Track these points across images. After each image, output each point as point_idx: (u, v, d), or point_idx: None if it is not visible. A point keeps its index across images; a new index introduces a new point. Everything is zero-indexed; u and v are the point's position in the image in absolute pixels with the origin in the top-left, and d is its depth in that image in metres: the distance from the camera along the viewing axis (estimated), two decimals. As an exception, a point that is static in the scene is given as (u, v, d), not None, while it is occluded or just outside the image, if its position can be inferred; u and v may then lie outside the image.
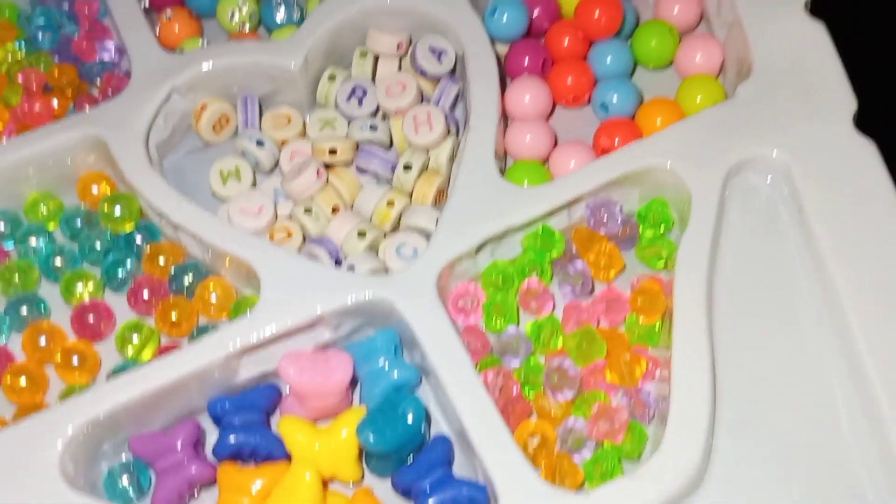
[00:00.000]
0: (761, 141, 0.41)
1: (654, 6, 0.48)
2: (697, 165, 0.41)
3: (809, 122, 0.41)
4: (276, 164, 0.45)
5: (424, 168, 0.44)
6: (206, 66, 0.45)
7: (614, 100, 0.45)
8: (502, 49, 0.47)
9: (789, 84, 0.42)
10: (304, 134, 0.46)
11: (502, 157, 0.45)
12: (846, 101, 0.41)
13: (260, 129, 0.46)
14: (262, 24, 0.49)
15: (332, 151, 0.44)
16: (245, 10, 0.48)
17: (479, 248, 0.41)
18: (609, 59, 0.46)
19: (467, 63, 0.45)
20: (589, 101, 0.46)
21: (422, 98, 0.46)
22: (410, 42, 0.47)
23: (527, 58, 0.47)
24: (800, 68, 0.42)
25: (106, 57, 0.48)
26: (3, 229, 0.44)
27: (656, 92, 0.46)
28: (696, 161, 0.41)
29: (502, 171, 0.43)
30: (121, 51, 0.48)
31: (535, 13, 0.48)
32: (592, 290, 0.41)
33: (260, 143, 0.44)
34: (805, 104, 0.41)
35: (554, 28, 0.47)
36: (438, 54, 0.46)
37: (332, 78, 0.46)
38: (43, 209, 0.44)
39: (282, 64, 0.45)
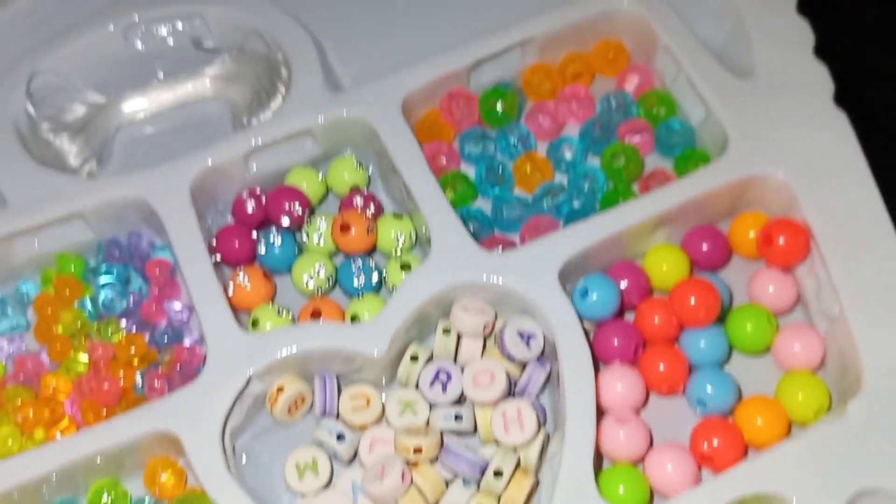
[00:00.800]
0: (883, 473, 0.39)
1: (747, 284, 0.46)
2: (815, 496, 0.38)
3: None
4: (356, 453, 0.43)
5: (514, 468, 0.42)
6: (288, 350, 0.42)
7: (711, 393, 0.43)
8: (589, 324, 0.45)
9: (905, 406, 0.40)
10: (383, 415, 0.44)
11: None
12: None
13: (337, 411, 0.43)
14: (339, 285, 0.47)
15: (417, 450, 0.41)
16: (322, 274, 0.47)
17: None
18: (703, 344, 0.45)
19: (558, 350, 0.43)
20: (684, 390, 0.44)
21: (509, 383, 0.44)
22: (495, 316, 0.45)
23: (617, 340, 0.45)
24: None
25: (175, 317, 0.46)
26: (64, 522, 0.41)
27: (753, 381, 0.45)
28: (813, 491, 0.39)
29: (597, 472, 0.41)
30: (190, 308, 0.46)
31: (623, 285, 0.46)
32: None
33: (340, 437, 0.42)
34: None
35: (644, 307, 0.45)
36: (527, 339, 0.44)
37: (414, 358, 0.44)
38: (106, 498, 0.42)
39: (365, 350, 0.43)
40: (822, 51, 0.48)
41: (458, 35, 0.50)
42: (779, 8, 0.49)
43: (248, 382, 0.42)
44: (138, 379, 0.44)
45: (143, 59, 0.52)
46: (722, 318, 0.45)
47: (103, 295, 0.46)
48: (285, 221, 0.47)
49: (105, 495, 0.42)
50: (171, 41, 0.52)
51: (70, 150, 0.50)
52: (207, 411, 0.41)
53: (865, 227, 0.44)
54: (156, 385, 0.44)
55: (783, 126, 0.46)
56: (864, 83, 0.48)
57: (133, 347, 0.44)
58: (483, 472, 0.41)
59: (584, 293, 0.45)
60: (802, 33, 0.48)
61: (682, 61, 0.49)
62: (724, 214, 0.48)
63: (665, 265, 0.46)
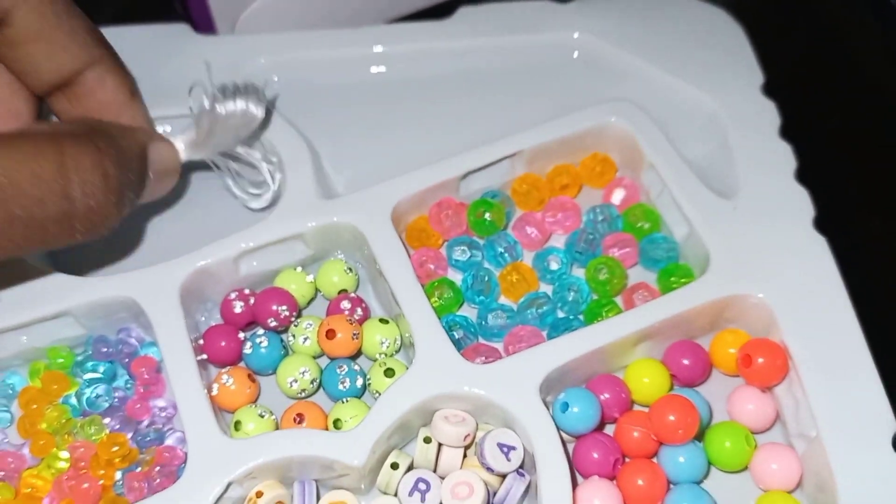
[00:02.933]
0: None
1: (726, 400, 0.47)
2: None
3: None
4: (332, 562, 0.43)
5: (489, 583, 0.42)
6: (269, 457, 0.43)
7: (688, 512, 0.43)
8: (569, 436, 0.46)
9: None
10: (361, 523, 0.44)
11: (570, 569, 0.43)
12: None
13: (316, 517, 0.44)
14: (322, 387, 0.48)
15: (394, 561, 0.41)
16: (307, 376, 0.47)
17: None
18: (682, 460, 0.45)
19: (537, 462, 0.43)
20: (661, 506, 0.45)
21: (487, 494, 0.44)
22: (476, 426, 0.45)
23: (596, 454, 0.45)
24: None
25: (158, 416, 0.47)
26: None
27: (730, 499, 0.45)
28: None
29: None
30: (174, 406, 0.47)
31: (604, 398, 0.46)
32: None
33: (317, 545, 0.42)
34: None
35: (624, 420, 0.46)
36: (507, 451, 0.44)
37: (394, 466, 0.44)
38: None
39: (346, 460, 0.43)
40: (803, 176, 0.49)
41: (450, 146, 0.51)
42: (763, 131, 0.51)
43: (227, 487, 0.42)
44: (118, 476, 0.45)
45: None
46: (701, 433, 0.46)
47: (89, 393, 0.46)
48: (272, 323, 0.48)
49: None
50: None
51: (64, 244, 0.50)
52: (187, 522, 0.41)
53: (843, 351, 0.45)
54: (135, 485, 0.44)
55: (764, 248, 0.47)
56: (845, 209, 0.49)
57: (115, 446, 0.44)
58: (458, 586, 0.41)
59: (565, 407, 0.45)
60: (785, 157, 0.50)
61: (667, 179, 0.50)
62: (705, 330, 0.49)
63: (646, 379, 0.47)
